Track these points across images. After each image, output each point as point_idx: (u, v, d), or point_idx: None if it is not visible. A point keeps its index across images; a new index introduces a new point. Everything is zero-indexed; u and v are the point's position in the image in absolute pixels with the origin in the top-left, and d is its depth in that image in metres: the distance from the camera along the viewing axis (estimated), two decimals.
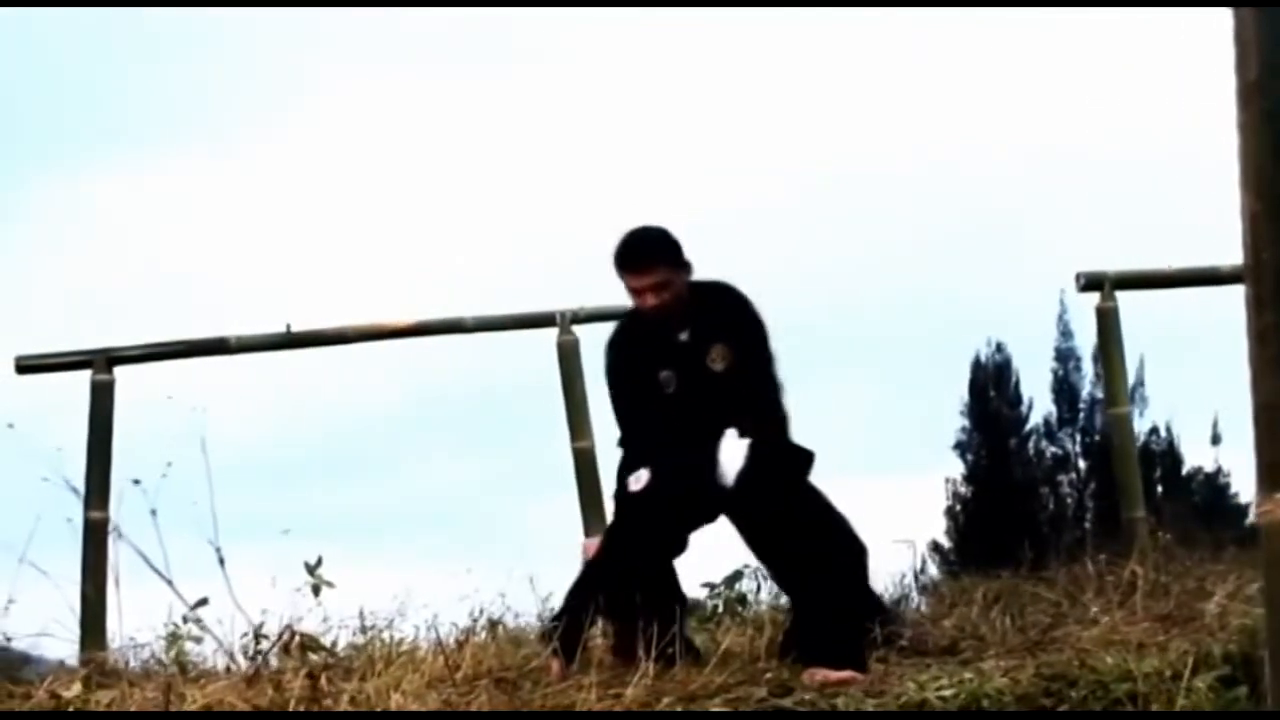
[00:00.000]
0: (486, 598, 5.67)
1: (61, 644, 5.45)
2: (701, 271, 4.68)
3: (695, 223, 4.79)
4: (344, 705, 3.87)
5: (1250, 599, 4.62)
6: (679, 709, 3.93)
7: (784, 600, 5.11)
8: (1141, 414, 11.85)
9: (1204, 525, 6.98)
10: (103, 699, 4.20)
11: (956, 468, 12.55)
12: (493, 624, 5.52)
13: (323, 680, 3.87)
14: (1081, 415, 12.58)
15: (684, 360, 4.62)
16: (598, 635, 4.65)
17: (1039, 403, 12.72)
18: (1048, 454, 12.63)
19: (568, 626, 4.46)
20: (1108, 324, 6.38)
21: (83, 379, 6.20)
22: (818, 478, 4.59)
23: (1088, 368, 12.48)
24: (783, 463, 4.52)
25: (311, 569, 4.22)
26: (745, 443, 4.48)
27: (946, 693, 3.80)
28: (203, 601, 4.02)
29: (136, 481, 3.80)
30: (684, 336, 4.63)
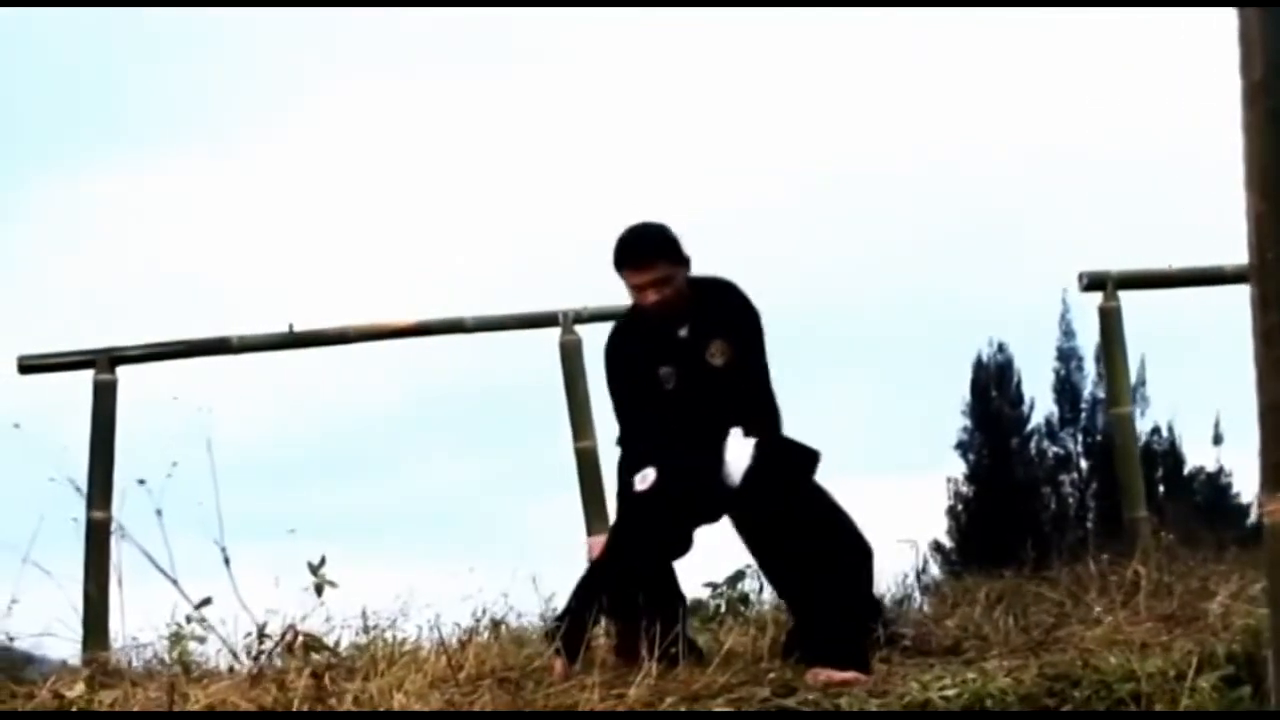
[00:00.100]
0: (489, 598, 5.68)
1: (64, 644, 5.45)
2: (701, 270, 4.69)
3: (695, 222, 4.79)
4: (347, 705, 3.87)
5: (1253, 599, 4.62)
6: (682, 709, 3.93)
7: (783, 601, 5.10)
8: (1143, 414, 11.86)
9: (1206, 525, 6.97)
10: (105, 699, 4.19)
11: (958, 467, 12.56)
12: (495, 624, 5.51)
13: (326, 680, 3.87)
14: (1083, 415, 12.58)
15: (684, 356, 4.62)
16: (601, 635, 4.64)
17: (1041, 402, 12.73)
18: (1049, 454, 12.63)
19: (571, 626, 4.46)
20: (1110, 324, 6.38)
21: (85, 379, 6.20)
22: (820, 477, 4.60)
23: (1090, 367, 12.49)
24: (787, 462, 4.52)
25: (315, 569, 4.22)
26: (750, 442, 4.49)
27: (950, 693, 3.79)
28: (206, 601, 4.02)
29: (141, 481, 3.80)
30: (684, 332, 4.64)
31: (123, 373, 6.20)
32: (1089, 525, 11.18)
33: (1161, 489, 11.54)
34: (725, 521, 4.65)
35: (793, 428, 4.69)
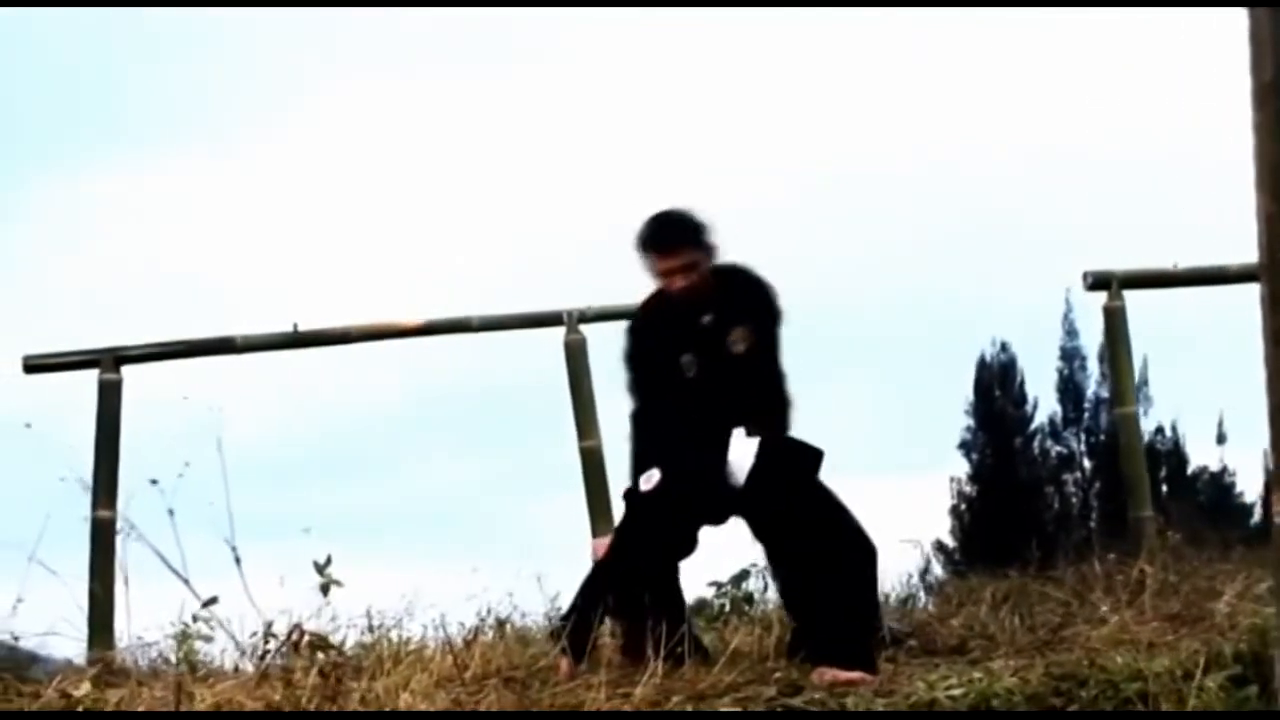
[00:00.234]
0: (494, 597, 5.69)
1: (69, 643, 5.45)
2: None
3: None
4: (353, 704, 3.87)
5: (1260, 598, 4.62)
6: (688, 708, 3.93)
7: (782, 601, 5.10)
8: (1146, 413, 11.83)
9: (1210, 525, 6.97)
10: (112, 698, 4.19)
11: (961, 467, 12.53)
12: (500, 623, 5.52)
13: (332, 679, 3.86)
14: (1087, 414, 12.56)
15: (706, 344, 4.61)
16: (606, 634, 4.64)
17: (1044, 402, 12.70)
18: (1053, 453, 12.60)
19: (576, 626, 4.46)
20: (1115, 323, 6.39)
21: (86, 379, 6.21)
22: (823, 477, 4.59)
23: (1093, 367, 12.47)
24: (790, 462, 4.52)
25: (320, 568, 4.21)
26: (754, 442, 4.49)
27: (956, 692, 3.79)
28: (213, 600, 4.01)
29: (154, 481, 3.80)
30: (707, 319, 4.63)
31: (125, 372, 6.21)
32: (1092, 525, 11.16)
33: (1165, 488, 11.52)
34: (727, 522, 4.65)
35: (795, 427, 4.69)
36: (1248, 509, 11.75)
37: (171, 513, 3.73)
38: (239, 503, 4.08)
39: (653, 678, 4.05)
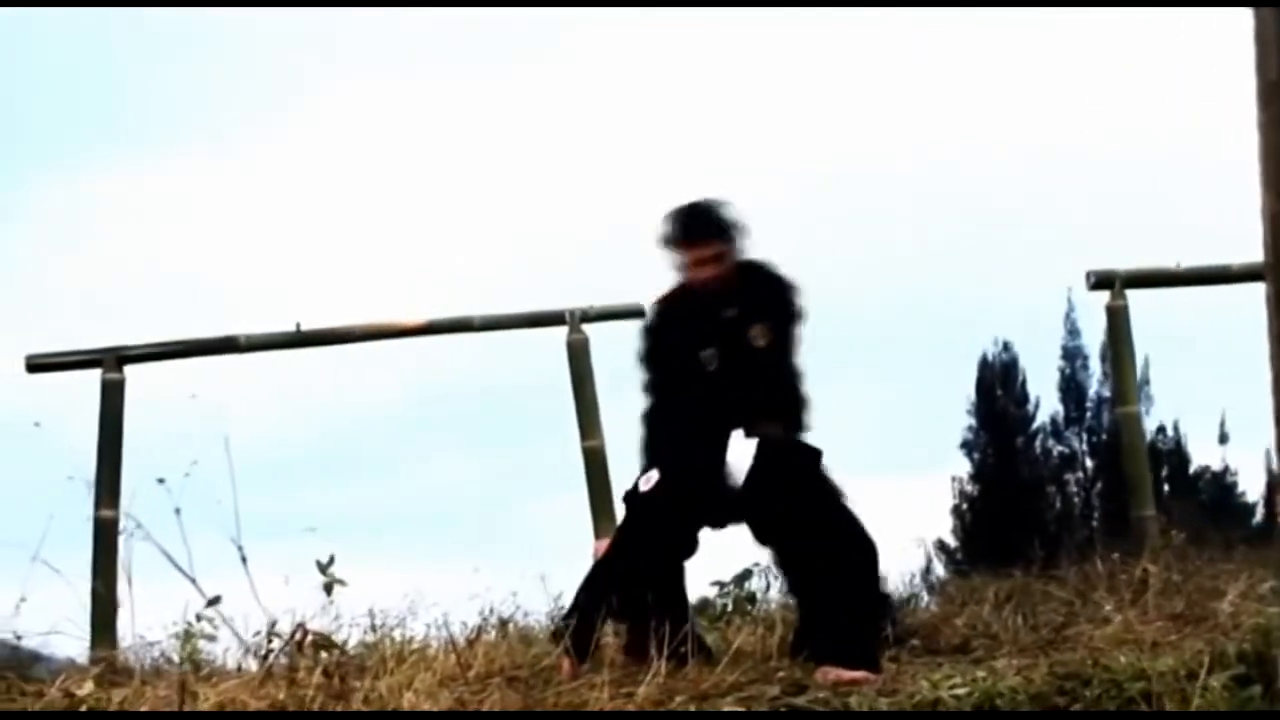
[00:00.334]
0: (497, 597, 5.69)
1: (71, 642, 5.45)
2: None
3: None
4: (357, 704, 3.87)
5: (1263, 598, 4.63)
6: (691, 708, 3.93)
7: (792, 599, 5.11)
8: (1148, 413, 11.83)
9: (1212, 524, 6.97)
10: (115, 697, 4.19)
11: (963, 466, 12.53)
12: (503, 623, 5.52)
13: (336, 679, 3.86)
14: (1089, 414, 12.56)
15: (727, 337, 4.61)
16: (609, 634, 4.64)
17: (1046, 401, 12.70)
18: (1055, 453, 12.60)
19: (579, 626, 4.46)
20: (1118, 322, 6.38)
21: (86, 378, 6.20)
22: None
23: (1095, 366, 12.47)
24: (790, 461, 4.52)
25: (324, 567, 4.21)
26: (753, 442, 4.49)
27: (960, 691, 3.79)
28: (216, 599, 4.01)
29: (161, 480, 3.80)
30: (730, 313, 4.62)
31: (127, 372, 6.20)
32: (1094, 524, 11.17)
33: (1167, 488, 11.52)
34: (728, 525, 4.65)
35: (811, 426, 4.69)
36: (1249, 508, 11.76)
37: (178, 511, 3.73)
38: (241, 502, 4.08)
39: (656, 677, 4.05)
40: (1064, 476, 12.52)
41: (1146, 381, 11.38)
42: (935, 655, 4.49)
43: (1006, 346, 12.66)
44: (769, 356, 4.60)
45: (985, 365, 12.63)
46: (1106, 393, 11.93)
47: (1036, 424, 12.63)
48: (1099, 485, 12.26)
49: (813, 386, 4.73)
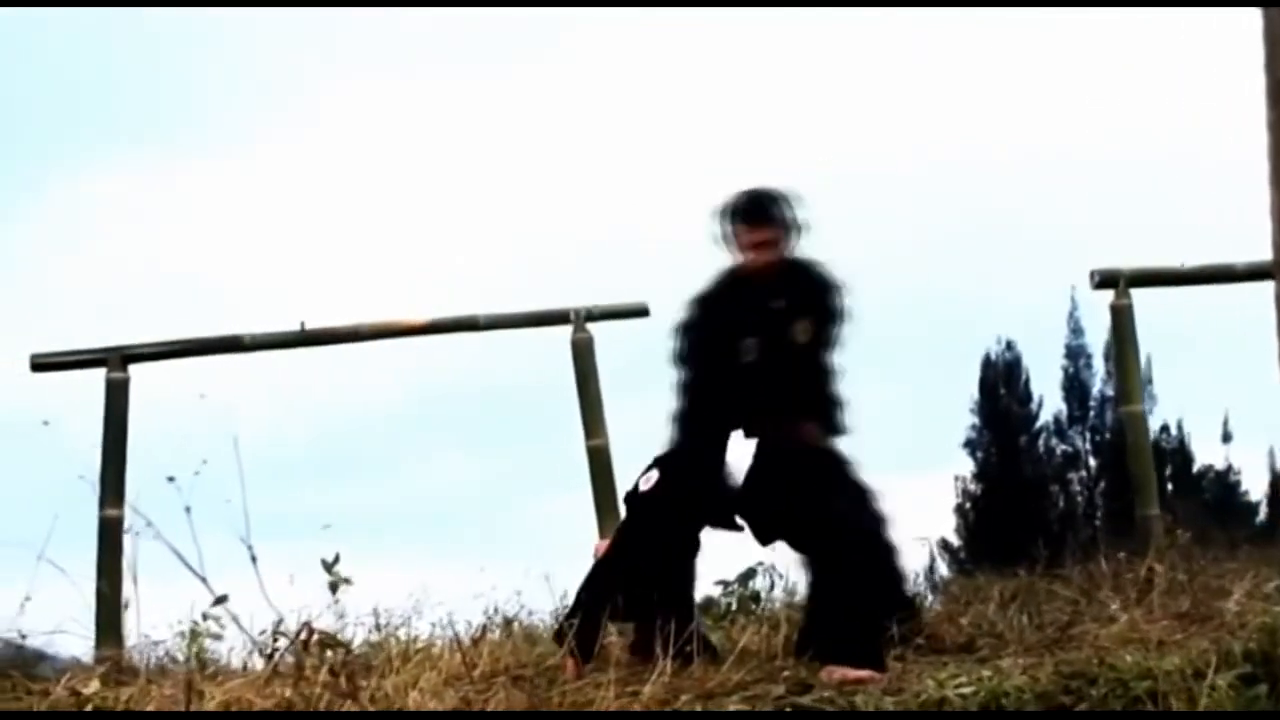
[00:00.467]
0: (502, 596, 5.69)
1: (76, 641, 5.46)
2: (700, 268, 4.70)
3: (696, 222, 4.78)
4: (363, 703, 3.86)
5: (1268, 597, 4.62)
6: (697, 707, 3.93)
7: (798, 598, 5.11)
8: (1150, 412, 11.82)
9: (1216, 523, 6.96)
10: (122, 695, 4.19)
11: (966, 465, 12.55)
12: (508, 622, 5.52)
13: (342, 678, 3.86)
14: (1092, 413, 12.57)
15: (771, 328, 4.60)
16: (611, 634, 4.64)
17: (1049, 400, 12.72)
18: (1058, 451, 12.61)
19: (583, 626, 4.46)
20: (1122, 321, 6.37)
21: (93, 377, 6.20)
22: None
23: (1098, 365, 12.47)
24: (791, 461, 4.52)
25: (329, 566, 4.21)
26: (752, 443, 4.49)
27: (966, 690, 3.79)
28: (223, 599, 4.01)
29: (171, 479, 3.80)
30: (778, 304, 4.62)
31: (130, 371, 6.20)
32: (1097, 523, 11.17)
33: (1170, 487, 11.53)
34: (733, 526, 4.65)
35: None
36: (1253, 507, 11.77)
37: (189, 510, 3.73)
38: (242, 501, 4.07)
39: (661, 676, 4.05)
40: (1067, 475, 12.53)
41: (1149, 380, 11.38)
42: (940, 654, 4.48)
43: (1010, 345, 12.68)
44: (809, 354, 4.60)
45: (988, 364, 12.64)
46: (1109, 391, 11.94)
47: (1040, 423, 12.65)
48: (1102, 484, 12.27)
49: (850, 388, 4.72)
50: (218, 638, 4.46)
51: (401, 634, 5.24)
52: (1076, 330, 12.54)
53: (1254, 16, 2.37)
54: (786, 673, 4.24)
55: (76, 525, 5.44)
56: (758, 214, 4.58)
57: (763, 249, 4.57)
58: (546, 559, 5.52)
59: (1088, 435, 12.51)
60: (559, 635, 4.60)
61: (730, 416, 4.56)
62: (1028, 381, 12.64)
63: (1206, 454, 12.34)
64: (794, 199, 4.62)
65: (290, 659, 4.05)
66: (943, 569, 10.71)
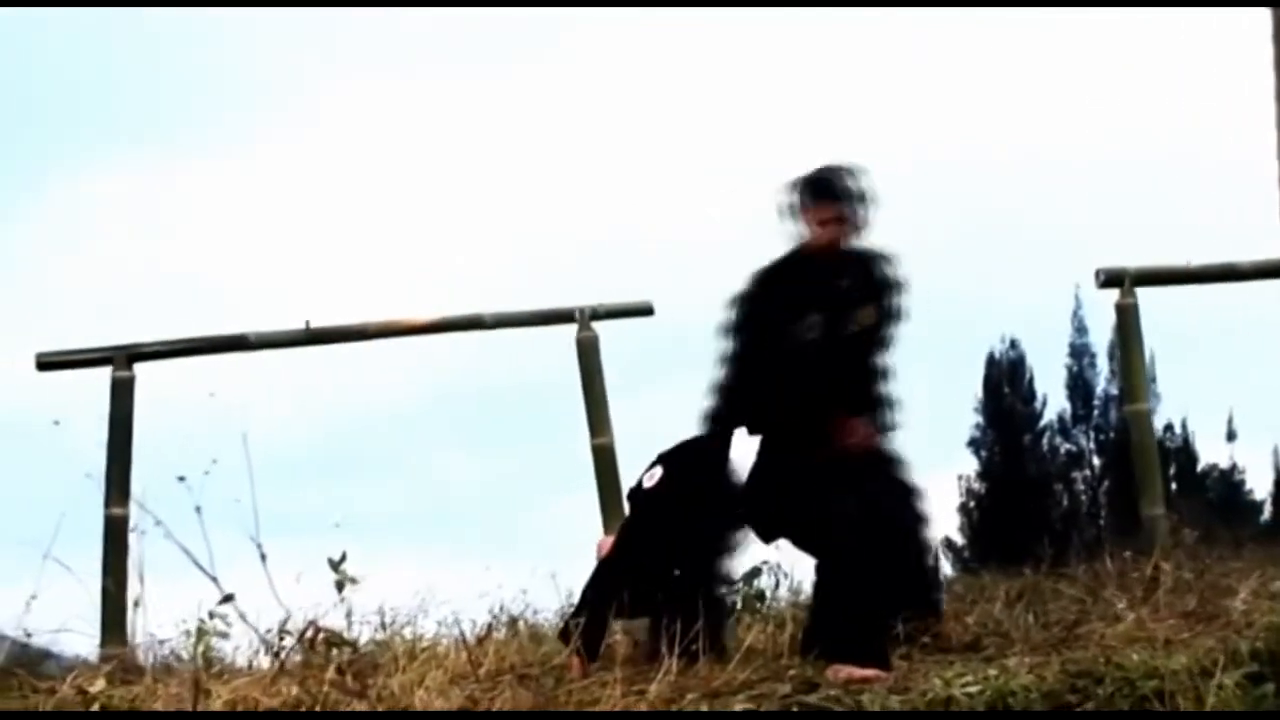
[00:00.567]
0: (507, 594, 5.70)
1: (81, 639, 5.46)
2: (700, 268, 4.70)
3: (696, 222, 4.78)
4: (369, 701, 3.87)
5: (1275, 596, 4.62)
6: (703, 706, 3.93)
7: (804, 596, 5.11)
8: (1155, 411, 11.82)
9: (1220, 522, 6.97)
10: (128, 694, 4.20)
11: (970, 464, 12.55)
12: (513, 620, 5.53)
13: (348, 677, 3.87)
14: (1096, 412, 12.57)
15: (837, 307, 4.58)
16: (616, 633, 4.65)
17: (1053, 399, 12.73)
18: (1062, 450, 12.62)
19: (589, 624, 4.46)
20: (1127, 320, 6.36)
21: (98, 376, 6.19)
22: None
23: (1102, 364, 12.48)
24: (791, 460, 4.52)
25: (335, 565, 4.21)
26: (755, 440, 4.49)
27: (972, 689, 3.78)
28: (229, 598, 4.01)
29: (182, 478, 3.80)
30: (845, 283, 4.61)
31: (136, 370, 6.20)
32: (1101, 522, 11.17)
33: (1174, 486, 11.54)
34: (738, 525, 4.65)
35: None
36: (1257, 506, 11.77)
37: (199, 509, 3.73)
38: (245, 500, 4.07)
39: (667, 675, 4.05)
40: (1071, 474, 12.54)
41: (1153, 379, 11.39)
42: (946, 653, 4.48)
43: (1014, 344, 12.69)
44: (868, 342, 4.58)
45: (992, 363, 12.65)
46: (1113, 390, 11.93)
47: (1044, 422, 12.66)
48: (1106, 483, 12.27)
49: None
50: (224, 636, 4.46)
51: (407, 633, 5.26)
52: (1081, 329, 12.57)
53: (1261, 16, 2.37)
54: (792, 672, 4.25)
55: (82, 524, 5.43)
56: (823, 190, 4.58)
57: (829, 225, 4.56)
58: (552, 558, 5.54)
59: (1092, 434, 12.52)
60: (564, 634, 4.60)
61: (780, 394, 4.51)
62: (1032, 380, 12.66)
63: (1211, 453, 12.35)
64: (862, 173, 4.61)
65: (297, 658, 4.05)
66: (947, 568, 10.72)
